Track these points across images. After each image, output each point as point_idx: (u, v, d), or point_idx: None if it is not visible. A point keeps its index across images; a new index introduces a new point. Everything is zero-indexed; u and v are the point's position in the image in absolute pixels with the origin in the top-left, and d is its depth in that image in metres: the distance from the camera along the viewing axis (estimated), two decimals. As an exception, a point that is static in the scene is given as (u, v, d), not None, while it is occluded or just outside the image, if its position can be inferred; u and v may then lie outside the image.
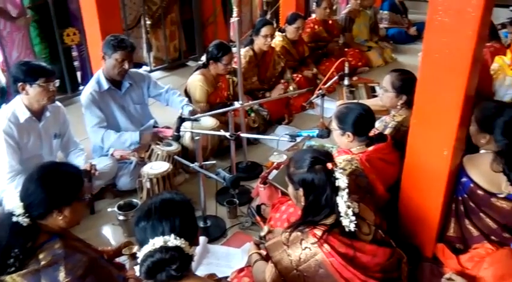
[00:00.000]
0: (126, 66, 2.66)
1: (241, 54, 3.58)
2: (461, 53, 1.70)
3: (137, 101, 2.90)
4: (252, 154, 3.16)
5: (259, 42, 3.60)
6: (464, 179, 1.99)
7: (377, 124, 2.63)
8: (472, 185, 1.96)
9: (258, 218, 2.44)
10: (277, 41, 4.12)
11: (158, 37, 4.72)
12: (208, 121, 2.92)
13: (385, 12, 6.03)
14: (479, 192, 1.95)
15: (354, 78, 4.52)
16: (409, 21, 6.09)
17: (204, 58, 3.24)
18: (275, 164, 2.58)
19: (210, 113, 2.69)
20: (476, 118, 2.03)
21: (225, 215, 2.53)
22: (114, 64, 2.65)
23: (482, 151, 2.09)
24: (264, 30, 3.53)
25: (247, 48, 3.67)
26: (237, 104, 2.71)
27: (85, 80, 2.88)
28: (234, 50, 3.61)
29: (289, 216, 2.12)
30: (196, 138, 2.24)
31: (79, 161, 2.57)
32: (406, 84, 2.40)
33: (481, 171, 1.97)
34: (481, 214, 1.97)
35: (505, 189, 1.94)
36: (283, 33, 4.16)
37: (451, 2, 1.66)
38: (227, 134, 2.48)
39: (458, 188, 2.00)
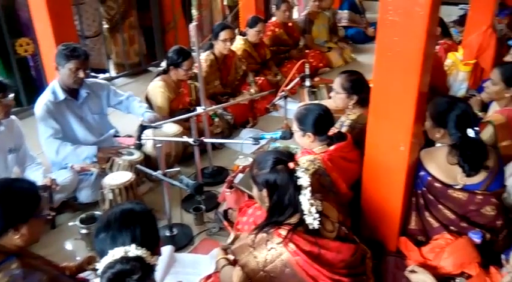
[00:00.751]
0: (81, 74, 2.59)
1: (202, 59, 3.59)
2: (413, 51, 1.76)
3: (95, 111, 2.82)
4: (217, 159, 3.14)
5: (219, 47, 3.60)
6: (422, 173, 2.06)
7: (336, 124, 2.70)
8: (429, 178, 2.03)
9: (225, 223, 2.42)
10: (239, 44, 4.14)
11: (117, 42, 4.65)
12: (171, 128, 2.88)
13: (345, 11, 6.14)
14: (437, 184, 2.02)
15: (316, 79, 4.59)
16: (367, 22, 6.25)
17: (164, 64, 3.20)
18: (241, 167, 2.58)
19: (172, 119, 2.66)
20: (431, 113, 2.10)
21: (192, 222, 2.51)
22: (69, 74, 2.57)
23: (438, 145, 2.17)
24: (223, 35, 3.53)
25: (207, 52, 3.66)
26: (199, 109, 2.69)
27: (41, 90, 2.77)
28: (195, 54, 3.60)
29: (256, 219, 2.12)
30: (158, 145, 2.21)
31: (36, 175, 2.48)
32: (355, 84, 2.49)
33: (438, 164, 2.04)
34: (440, 206, 2.04)
35: (461, 181, 2.02)
36: (245, 37, 4.17)
37: (400, 1, 1.72)
38: (190, 140, 2.46)
39: (417, 181, 2.07)
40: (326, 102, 3.22)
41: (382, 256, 2.04)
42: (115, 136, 2.92)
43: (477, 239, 1.94)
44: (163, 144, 2.28)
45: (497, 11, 5.32)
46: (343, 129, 2.54)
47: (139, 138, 2.41)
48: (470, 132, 1.99)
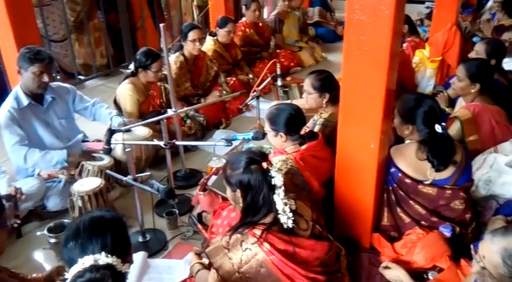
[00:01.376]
0: (46, 78, 2.50)
1: (172, 60, 3.54)
2: (380, 49, 1.78)
3: (62, 116, 2.73)
4: (190, 161, 3.10)
5: (189, 47, 3.55)
6: (392, 169, 2.09)
7: (309, 123, 2.71)
8: (400, 174, 2.06)
9: (199, 226, 2.39)
10: (209, 45, 4.10)
11: (83, 44, 4.54)
12: (141, 131, 2.82)
13: (316, 8, 6.16)
14: (407, 180, 2.06)
15: (288, 79, 4.61)
16: (337, 20, 6.32)
17: (132, 66, 3.14)
18: (214, 169, 2.56)
19: (142, 122, 2.61)
20: (399, 111, 2.13)
21: (165, 227, 2.46)
22: (32, 78, 2.48)
23: (407, 141, 2.21)
24: (192, 35, 3.49)
25: (177, 53, 3.61)
26: (170, 112, 2.65)
27: (3, 96, 2.67)
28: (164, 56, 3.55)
29: (230, 221, 2.10)
30: (127, 150, 2.16)
31: (0, 184, 2.38)
32: (325, 83, 2.52)
33: (407, 160, 2.08)
34: (411, 201, 2.07)
35: (430, 176, 2.06)
36: (215, 37, 4.14)
37: (366, 1, 1.73)
38: (161, 143, 2.42)
39: (388, 178, 2.10)
40: (298, 102, 3.25)
41: (356, 253, 2.06)
42: (83, 141, 2.84)
43: (447, 233, 1.99)
44: (133, 148, 2.23)
45: (461, 9, 5.51)
46: (316, 128, 2.56)
47: (108, 142, 2.35)
48: (438, 128, 2.03)
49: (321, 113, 2.62)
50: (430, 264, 1.91)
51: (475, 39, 4.96)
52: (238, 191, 1.66)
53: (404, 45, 4.18)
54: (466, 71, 2.62)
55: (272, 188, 1.62)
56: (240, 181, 1.64)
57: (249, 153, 1.72)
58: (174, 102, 2.68)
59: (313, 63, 5.23)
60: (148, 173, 2.39)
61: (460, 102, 2.86)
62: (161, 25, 2.48)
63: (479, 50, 3.09)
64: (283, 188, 1.62)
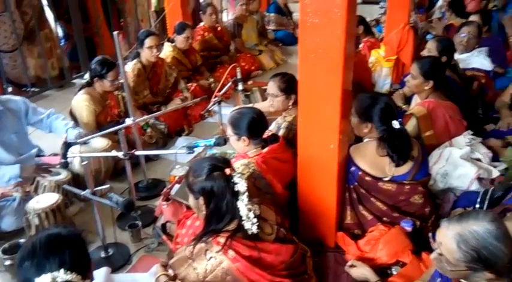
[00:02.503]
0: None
1: (129, 68, 3.47)
2: (334, 51, 1.80)
3: (12, 130, 2.60)
4: (152, 171, 3.04)
5: (146, 55, 3.49)
6: (353, 168, 2.12)
7: (272, 126, 2.72)
8: (360, 172, 2.10)
9: (164, 237, 2.34)
10: (168, 51, 4.04)
11: (34, 55, 4.38)
12: (99, 142, 2.74)
13: (272, 14, 6.26)
14: (367, 178, 2.10)
15: (249, 83, 4.61)
16: (295, 23, 6.40)
17: (87, 76, 3.04)
18: (177, 178, 2.50)
19: (99, 133, 2.53)
20: (356, 110, 2.17)
21: (129, 240, 2.39)
22: (-22, 92, 2.36)
23: (366, 140, 2.25)
24: (148, 42, 3.42)
25: (134, 61, 3.53)
26: (128, 121, 2.58)
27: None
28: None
29: (195, 230, 2.06)
30: (84, 163, 2.08)
31: None
32: (291, 84, 2.52)
33: (367, 158, 2.12)
34: (372, 199, 2.12)
35: (389, 172, 2.11)
36: (173, 44, 4.09)
37: (318, 3, 1.75)
38: (120, 154, 2.35)
39: (349, 177, 2.13)
40: (260, 105, 3.26)
41: (322, 253, 2.08)
42: (39, 156, 2.72)
43: (408, 228, 2.04)
44: (90, 160, 2.16)
45: (416, 9, 5.71)
46: (281, 131, 2.56)
47: (64, 156, 2.26)
48: (395, 124, 2.09)
49: (285, 116, 2.63)
50: (393, 259, 1.95)
51: (428, 37, 5.16)
52: (201, 198, 1.64)
53: (361, 45, 4.27)
54: (420, 69, 2.71)
55: (235, 194, 1.61)
56: (202, 188, 1.62)
57: (211, 160, 1.70)
58: (132, 111, 2.61)
59: (274, 66, 5.27)
60: (107, 186, 2.32)
61: (416, 99, 2.95)
62: (115, 33, 2.42)
63: (430, 48, 3.20)
64: (246, 193, 1.62)
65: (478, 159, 2.51)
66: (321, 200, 2.08)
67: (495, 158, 2.58)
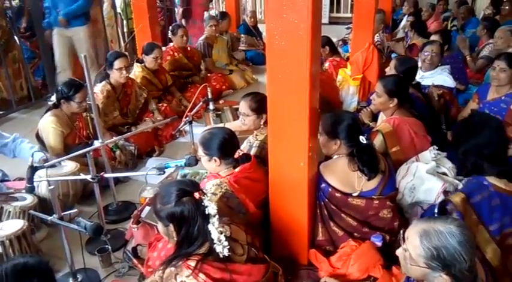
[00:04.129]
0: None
1: (98, 90, 3.44)
2: (300, 72, 1.85)
3: (-26, 155, 2.53)
4: (122, 193, 2.99)
5: (115, 76, 3.47)
6: (323, 185, 2.16)
7: (244, 145, 2.74)
8: (330, 189, 2.14)
9: (135, 261, 2.29)
10: (137, 72, 4.04)
11: (1, 77, 4.29)
12: (67, 165, 2.68)
13: (242, 35, 6.37)
14: (337, 194, 2.14)
15: (220, 102, 4.65)
16: (264, 44, 6.52)
17: (54, 98, 2.99)
18: (147, 200, 2.47)
19: (67, 156, 2.48)
20: (323, 129, 2.23)
21: (98, 265, 2.33)
22: None
23: (335, 157, 2.30)
24: (117, 63, 3.41)
25: (103, 82, 3.50)
26: (97, 143, 2.54)
27: None
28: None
29: (167, 253, 2.02)
30: (51, 187, 2.03)
31: None
32: (262, 104, 2.55)
33: (336, 175, 2.16)
34: (342, 214, 2.15)
35: (358, 188, 2.16)
36: (142, 64, 4.08)
37: (283, 27, 1.80)
38: (88, 177, 2.31)
39: (319, 194, 2.16)
40: (231, 124, 3.28)
41: (294, 271, 2.09)
42: (3, 181, 2.64)
43: (378, 242, 2.08)
44: (58, 184, 2.11)
45: (383, 28, 5.94)
46: (253, 150, 2.58)
47: (30, 180, 2.20)
48: (363, 139, 2.17)
49: (257, 135, 2.66)
50: (364, 274, 1.98)
51: (393, 55, 5.37)
52: (171, 225, 1.61)
53: (326, 64, 4.39)
54: (384, 87, 2.80)
55: (206, 218, 1.59)
56: (172, 215, 1.59)
57: (179, 185, 1.67)
58: (100, 133, 2.58)
59: (245, 85, 5.33)
60: (75, 210, 2.26)
61: (381, 117, 3.04)
62: (82, 55, 2.40)
63: (392, 67, 3.33)
64: (217, 216, 1.60)
65: (444, 173, 2.60)
66: (293, 217, 2.10)
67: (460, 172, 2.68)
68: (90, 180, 2.31)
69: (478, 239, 1.91)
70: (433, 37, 4.42)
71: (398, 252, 1.50)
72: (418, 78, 3.58)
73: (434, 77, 3.70)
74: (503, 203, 1.95)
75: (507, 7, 6.34)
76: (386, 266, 2.01)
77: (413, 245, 1.41)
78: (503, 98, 3.13)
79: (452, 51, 4.73)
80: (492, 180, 1.99)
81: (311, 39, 1.79)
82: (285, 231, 2.14)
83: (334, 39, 5.48)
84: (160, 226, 1.67)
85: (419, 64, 3.74)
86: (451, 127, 3.44)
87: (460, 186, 2.50)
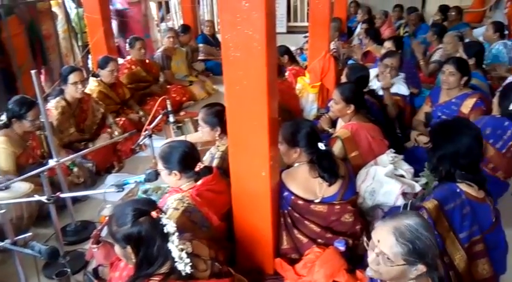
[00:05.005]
0: None
1: (52, 106, 3.33)
2: (258, 82, 1.86)
3: None
4: (81, 212, 2.89)
5: (70, 91, 3.37)
6: (285, 193, 2.17)
7: (206, 156, 2.72)
8: (293, 197, 2.16)
9: (96, 282, 2.21)
10: (93, 86, 3.93)
11: None
12: (21, 187, 2.55)
13: (200, 45, 6.35)
14: (300, 202, 2.15)
15: (181, 114, 4.60)
16: (223, 54, 6.53)
17: (4, 117, 2.85)
18: (107, 218, 2.39)
19: (19, 178, 2.36)
20: (283, 138, 2.25)
21: (57, 290, 2.23)
22: None
23: (296, 165, 2.32)
24: (72, 78, 3.31)
25: (58, 98, 3.39)
26: (52, 162, 2.44)
27: None
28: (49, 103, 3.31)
29: (129, 272, 1.96)
30: (2, 211, 1.93)
31: None
32: (216, 116, 2.56)
33: (298, 182, 2.19)
34: (306, 221, 2.17)
35: (319, 194, 2.19)
36: (98, 78, 3.98)
37: (238, 38, 1.81)
38: (43, 198, 2.21)
39: (282, 202, 2.18)
40: (192, 136, 3.26)
41: (261, 281, 2.08)
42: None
43: (341, 247, 2.11)
44: (10, 207, 2.01)
45: (339, 36, 6.09)
46: (215, 162, 2.57)
47: (-21, 205, 2.08)
48: (321, 146, 2.21)
49: (218, 146, 2.65)
50: (329, 280, 1.99)
51: (349, 62, 5.52)
52: (128, 247, 1.56)
53: (286, 73, 4.45)
54: (341, 95, 2.87)
55: (165, 236, 1.55)
56: (128, 237, 1.54)
57: (134, 204, 1.62)
58: (55, 151, 2.48)
59: (206, 96, 5.31)
60: (30, 234, 2.15)
61: (340, 123, 3.11)
62: (32, 71, 2.31)
63: (345, 75, 3.43)
64: (176, 234, 1.57)
65: (402, 176, 2.68)
66: (257, 227, 2.10)
67: (416, 174, 2.78)
68: (46, 201, 2.22)
69: (447, 245, 1.92)
70: (386, 43, 4.58)
71: (371, 259, 1.49)
72: (375, 87, 3.70)
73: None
74: (473, 211, 1.95)
75: (453, 13, 6.69)
76: (350, 270, 2.04)
77: (389, 245, 1.43)
78: (453, 100, 3.27)
79: (405, 56, 4.91)
80: (464, 187, 1.97)
81: (266, 49, 1.81)
82: (249, 242, 2.13)
83: (293, 48, 5.57)
84: (117, 248, 1.61)
85: (376, 73, 3.86)
86: (405, 131, 3.57)
87: (418, 187, 2.60)
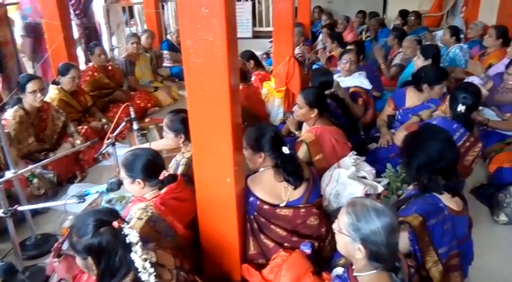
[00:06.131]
0: None
1: (10, 115, 3.21)
2: (220, 88, 1.86)
3: None
4: (42, 225, 2.79)
5: (28, 100, 3.25)
6: (251, 199, 2.17)
7: (171, 163, 2.69)
8: (258, 202, 2.16)
9: (58, 297, 2.14)
10: (53, 94, 3.82)
11: None
12: (-25, 201, 2.44)
13: (165, 51, 6.29)
14: (265, 207, 2.16)
15: (146, 120, 4.53)
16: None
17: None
18: (69, 230, 2.32)
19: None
20: (247, 143, 2.25)
21: (16, 308, 2.14)
22: None
23: (261, 169, 2.33)
24: (31, 86, 3.20)
25: (15, 107, 3.26)
26: (9, 174, 2.35)
27: None
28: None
29: (93, 285, 1.92)
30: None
31: None
32: (179, 123, 2.54)
33: (263, 187, 2.19)
34: (272, 226, 2.18)
35: (285, 198, 2.20)
36: (59, 86, 3.87)
37: (199, 45, 1.80)
38: (0, 212, 2.12)
39: (248, 207, 2.18)
40: (157, 143, 3.20)
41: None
42: None
43: (307, 250, 2.13)
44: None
45: (304, 41, 6.16)
46: (180, 169, 2.54)
47: None
48: (286, 150, 2.22)
49: (183, 153, 2.63)
50: (296, 283, 2.01)
51: (314, 66, 5.60)
52: (89, 258, 1.52)
53: (253, 78, 4.47)
54: (304, 99, 2.91)
55: (128, 247, 1.52)
56: (89, 248, 1.50)
57: (95, 215, 1.58)
58: (13, 162, 2.39)
59: (171, 102, 5.26)
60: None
61: (305, 127, 3.15)
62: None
63: (311, 78, 3.49)
64: (140, 243, 1.54)
65: (364, 177, 2.74)
66: (223, 234, 2.08)
67: (378, 174, 2.84)
68: (2, 215, 2.13)
69: (426, 259, 1.88)
70: (349, 48, 4.67)
71: (334, 225, 1.61)
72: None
73: (352, 80, 3.90)
74: (453, 225, 1.93)
75: (413, 18, 6.93)
76: (316, 273, 2.06)
77: (342, 213, 1.56)
78: (425, 103, 3.37)
79: (367, 60, 5.04)
80: (446, 201, 1.94)
81: (228, 55, 1.81)
82: (216, 249, 2.12)
83: (259, 53, 5.60)
84: (78, 259, 1.57)
85: (340, 70, 3.96)
86: (369, 131, 3.65)
87: (380, 188, 2.66)
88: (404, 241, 1.81)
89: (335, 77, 4.19)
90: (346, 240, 1.53)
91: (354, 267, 1.59)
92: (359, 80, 3.90)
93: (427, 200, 1.94)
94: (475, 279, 2.24)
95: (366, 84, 3.89)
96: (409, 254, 1.86)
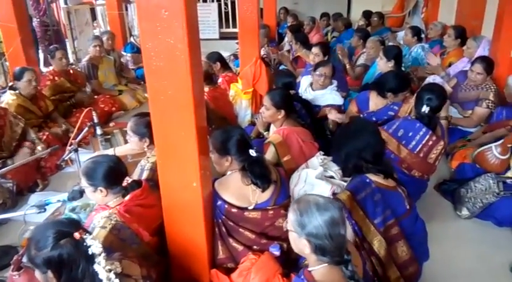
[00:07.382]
0: None
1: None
2: (183, 92, 1.82)
3: None
4: (1, 237, 2.68)
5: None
6: (219, 202, 2.15)
7: (136, 169, 2.62)
8: (226, 206, 2.14)
9: (18, 313, 2.03)
10: (10, 100, 3.67)
11: None
12: None
13: (129, 54, 6.16)
14: (234, 210, 2.14)
15: (111, 125, 4.43)
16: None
17: None
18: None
19: None
20: (214, 146, 2.22)
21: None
22: None
23: (228, 173, 2.30)
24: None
25: (-31, 115, 3.11)
26: (-38, 185, 2.23)
27: None
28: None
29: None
30: None
31: None
32: (144, 126, 2.49)
33: (231, 191, 2.17)
34: (240, 229, 2.16)
35: (253, 201, 2.19)
36: (17, 91, 3.71)
37: (160, 48, 1.76)
38: (-48, 226, 2.01)
39: (216, 211, 2.15)
40: (122, 148, 3.13)
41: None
42: None
43: (276, 252, 2.12)
44: None
45: (269, 42, 6.18)
46: (144, 174, 2.49)
47: None
48: (252, 152, 2.21)
49: (148, 158, 2.57)
50: (265, 286, 2.00)
51: (281, 67, 5.62)
52: (49, 272, 1.46)
53: (219, 80, 4.44)
54: (271, 100, 2.91)
55: (90, 258, 1.47)
56: (48, 261, 1.44)
57: (55, 226, 1.51)
58: (-34, 173, 2.27)
59: (137, 105, 5.15)
60: None
61: (272, 128, 3.15)
62: None
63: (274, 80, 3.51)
64: (103, 254, 1.49)
65: (331, 177, 2.76)
66: (191, 239, 2.05)
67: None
68: (-45, 228, 2.02)
69: (365, 232, 2.11)
70: (313, 49, 4.71)
71: (285, 224, 1.68)
72: (310, 97, 3.81)
73: (324, 97, 3.90)
74: (384, 197, 2.16)
75: (376, 18, 7.09)
76: (285, 274, 2.06)
77: (289, 211, 1.64)
78: (389, 106, 3.44)
79: (333, 61, 5.09)
80: (373, 177, 2.19)
81: (190, 58, 1.77)
82: (184, 255, 2.08)
83: (226, 54, 5.56)
84: (37, 273, 1.50)
85: (310, 81, 3.97)
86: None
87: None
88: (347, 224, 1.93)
89: (304, 78, 4.24)
90: (294, 236, 1.61)
91: (306, 262, 1.66)
92: (331, 97, 3.88)
93: (355, 179, 2.24)
94: (438, 273, 2.30)
95: (338, 100, 3.89)
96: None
